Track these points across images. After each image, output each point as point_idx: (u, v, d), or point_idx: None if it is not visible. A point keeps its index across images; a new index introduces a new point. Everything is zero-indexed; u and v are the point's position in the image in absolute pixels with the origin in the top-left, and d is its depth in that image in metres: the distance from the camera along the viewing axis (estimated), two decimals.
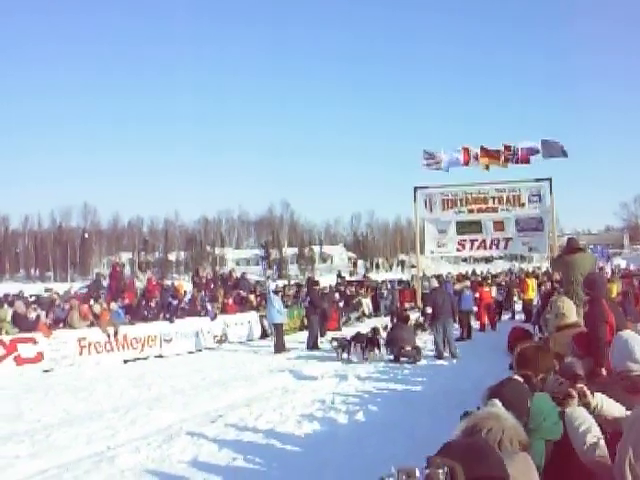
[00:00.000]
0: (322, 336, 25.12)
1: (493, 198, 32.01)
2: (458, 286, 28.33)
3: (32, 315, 21.38)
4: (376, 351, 20.29)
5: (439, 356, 20.24)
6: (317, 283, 28.39)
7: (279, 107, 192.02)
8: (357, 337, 20.43)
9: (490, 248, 33.28)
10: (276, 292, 26.80)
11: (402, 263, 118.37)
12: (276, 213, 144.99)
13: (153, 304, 25.23)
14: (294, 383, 16.12)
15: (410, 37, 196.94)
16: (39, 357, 19.65)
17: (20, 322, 20.63)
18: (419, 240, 33.72)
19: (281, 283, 45.28)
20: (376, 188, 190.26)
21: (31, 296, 28.37)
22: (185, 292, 29.26)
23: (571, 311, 8.32)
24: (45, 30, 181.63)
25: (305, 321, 27.87)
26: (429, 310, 22.14)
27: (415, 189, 32.66)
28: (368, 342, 20.01)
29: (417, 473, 2.25)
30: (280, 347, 22.95)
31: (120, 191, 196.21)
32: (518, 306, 35.05)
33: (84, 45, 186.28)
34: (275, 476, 8.87)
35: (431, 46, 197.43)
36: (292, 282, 47.17)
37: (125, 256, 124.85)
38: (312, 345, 23.37)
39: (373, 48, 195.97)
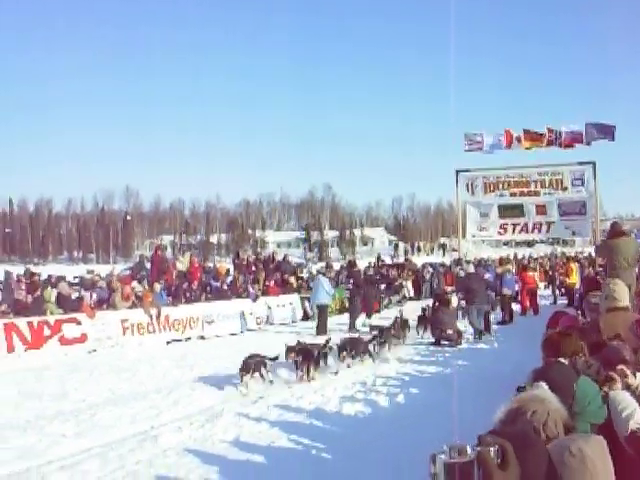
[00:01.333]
0: (368, 318, 25.11)
1: (535, 182, 31.89)
2: (500, 269, 28.21)
3: (75, 296, 21.63)
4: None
5: (479, 337, 20.32)
6: (355, 264, 28.55)
7: (320, 90, 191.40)
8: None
9: (532, 232, 33.21)
10: (323, 274, 26.97)
11: (443, 247, 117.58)
12: (317, 196, 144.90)
13: (195, 286, 25.44)
14: (335, 365, 16.15)
15: (448, 22, 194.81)
16: (83, 338, 19.87)
17: (64, 303, 20.88)
18: (461, 223, 33.68)
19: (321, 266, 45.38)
20: (418, 171, 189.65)
21: (74, 278, 28.66)
22: (228, 271, 29.47)
23: (623, 294, 8.28)
24: (73, 11, 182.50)
25: (345, 303, 28.09)
26: (460, 296, 22.16)
27: (457, 172, 32.61)
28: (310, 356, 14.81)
29: (468, 450, 2.28)
30: (322, 329, 23.05)
31: (162, 174, 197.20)
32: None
33: (116, 28, 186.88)
34: (317, 457, 8.94)
35: (470, 31, 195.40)
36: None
37: (167, 238, 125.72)
38: (353, 327, 23.38)
39: (413, 33, 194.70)
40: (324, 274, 26.74)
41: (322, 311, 24.11)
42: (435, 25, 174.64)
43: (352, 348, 16.04)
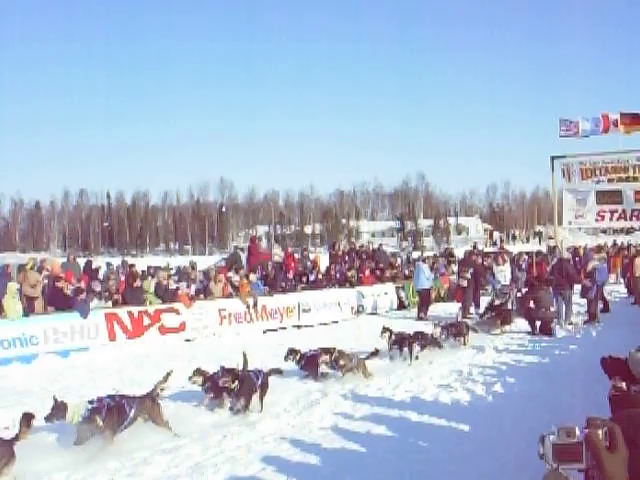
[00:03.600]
0: (478, 307, 24.95)
1: (634, 167, 31.05)
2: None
3: (173, 286, 22.07)
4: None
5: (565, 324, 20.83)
6: (473, 253, 29.46)
7: (414, 77, 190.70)
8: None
9: (630, 219, 32.38)
10: (424, 260, 28.17)
11: (539, 235, 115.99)
12: (411, 185, 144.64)
13: (290, 275, 25.68)
14: (431, 353, 16.11)
15: (545, 8, 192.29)
16: (182, 327, 20.28)
17: (162, 293, 21.27)
18: (557, 211, 33.17)
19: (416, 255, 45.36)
20: (512, 158, 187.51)
21: (170, 268, 29.20)
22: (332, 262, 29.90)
23: None
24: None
25: (441, 293, 28.49)
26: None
27: (552, 158, 32.03)
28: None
29: (577, 432, 2.32)
30: (424, 312, 23.90)
31: (256, 165, 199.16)
32: None
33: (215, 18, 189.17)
34: (414, 446, 8.92)
35: (569, 17, 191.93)
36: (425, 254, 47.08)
37: (261, 229, 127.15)
38: (464, 316, 23.28)
39: (511, 17, 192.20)
40: (424, 261, 27.28)
41: (423, 295, 24.75)
42: (534, 11, 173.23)
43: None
